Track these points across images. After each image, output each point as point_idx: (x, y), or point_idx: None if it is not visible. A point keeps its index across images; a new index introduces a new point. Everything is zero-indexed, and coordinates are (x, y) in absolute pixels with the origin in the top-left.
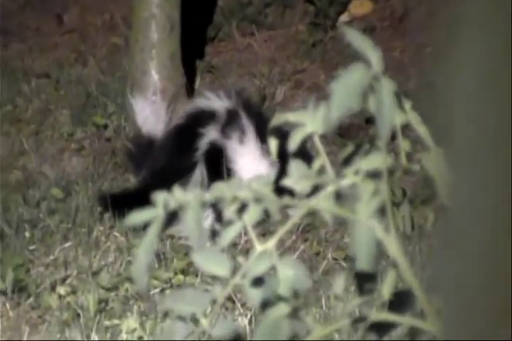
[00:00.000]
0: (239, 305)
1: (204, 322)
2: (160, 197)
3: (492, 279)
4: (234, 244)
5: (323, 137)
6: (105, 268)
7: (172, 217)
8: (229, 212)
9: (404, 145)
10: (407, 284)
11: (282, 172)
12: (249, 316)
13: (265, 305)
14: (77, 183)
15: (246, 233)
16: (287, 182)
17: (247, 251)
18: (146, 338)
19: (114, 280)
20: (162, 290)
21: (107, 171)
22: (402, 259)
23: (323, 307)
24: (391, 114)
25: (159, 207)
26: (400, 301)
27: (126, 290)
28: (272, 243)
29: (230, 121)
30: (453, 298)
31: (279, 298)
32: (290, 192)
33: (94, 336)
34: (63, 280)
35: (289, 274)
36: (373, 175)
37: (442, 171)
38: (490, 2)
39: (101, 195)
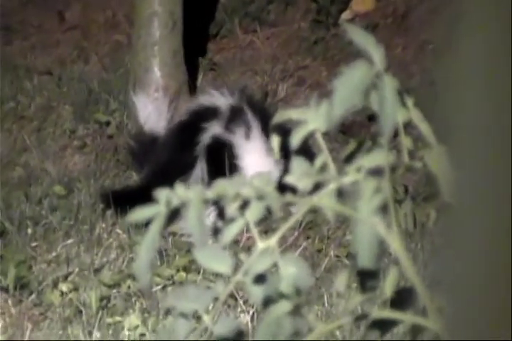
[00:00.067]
0: (241, 302)
1: (206, 319)
2: (162, 194)
3: (492, 278)
4: (236, 241)
5: (326, 134)
6: (107, 265)
7: (174, 214)
8: (231, 209)
9: (406, 142)
10: (409, 281)
11: (286, 169)
12: (251, 313)
13: (267, 302)
14: (80, 180)
15: (248, 230)
16: (289, 179)
17: (249, 249)
18: (148, 335)
19: (116, 277)
20: (164, 287)
21: (109, 168)
22: (404, 257)
23: (325, 304)
24: (393, 111)
25: (161, 204)
26: (402, 298)
27: (129, 287)
28: (274, 240)
29: (234, 117)
30: (453, 297)
31: (281, 295)
32: (292, 190)
33: (96, 333)
34: (65, 277)
35: (291, 271)
36: (375, 172)
37: (444, 168)
38: (490, 2)
39: (103, 192)
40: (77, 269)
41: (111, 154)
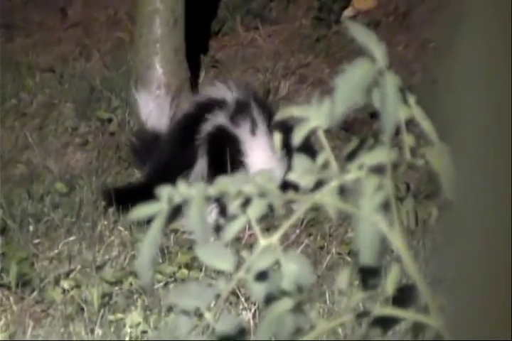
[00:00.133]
0: (243, 299)
1: (208, 317)
2: (164, 191)
3: (492, 277)
4: (238, 239)
5: (328, 132)
6: (109, 262)
7: (176, 211)
8: (233, 206)
9: (408, 140)
10: (410, 279)
11: (290, 167)
12: (253, 310)
13: (269, 299)
14: (81, 177)
15: (250, 227)
16: (291, 176)
17: (251, 246)
18: (150, 332)
19: (118, 274)
20: (166, 285)
21: (111, 165)
22: (406, 254)
23: (327, 301)
24: (395, 108)
25: (163, 201)
26: (404, 296)
27: (130, 284)
28: (275, 237)
29: (240, 111)
30: (453, 295)
31: (283, 293)
32: (294, 187)
33: (98, 330)
34: (67, 275)
35: (293, 269)
36: (377, 169)
37: (446, 166)
38: (491, 3)
39: (105, 190)
40: (79, 266)
41: (113, 151)
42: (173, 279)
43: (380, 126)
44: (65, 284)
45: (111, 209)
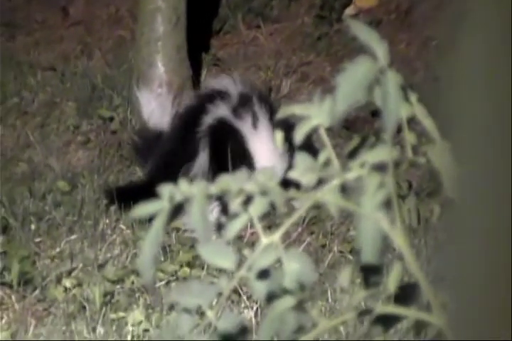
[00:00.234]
0: (245, 297)
1: (210, 315)
2: (165, 189)
3: (492, 276)
4: (239, 237)
5: (329, 130)
6: (111, 260)
7: (178, 210)
8: (235, 204)
9: (410, 138)
10: (412, 277)
11: (291, 163)
12: (254, 309)
13: (271, 297)
14: (83, 176)
15: (252, 225)
16: (293, 174)
17: (252, 244)
18: (151, 331)
19: (119, 272)
20: (168, 283)
21: (112, 164)
22: (408, 252)
23: (329, 300)
24: (397, 106)
25: (165, 199)
26: (406, 294)
27: (132, 282)
28: (277, 235)
29: (242, 103)
30: (454, 294)
31: (285, 291)
32: (296, 185)
33: (99, 329)
34: (69, 273)
35: (295, 267)
36: (379, 167)
37: (448, 164)
38: (493, 1)
39: (107, 188)
40: (80, 265)
41: (114, 150)
42: (174, 277)
43: (381, 124)
44: (67, 282)
45: (113, 208)
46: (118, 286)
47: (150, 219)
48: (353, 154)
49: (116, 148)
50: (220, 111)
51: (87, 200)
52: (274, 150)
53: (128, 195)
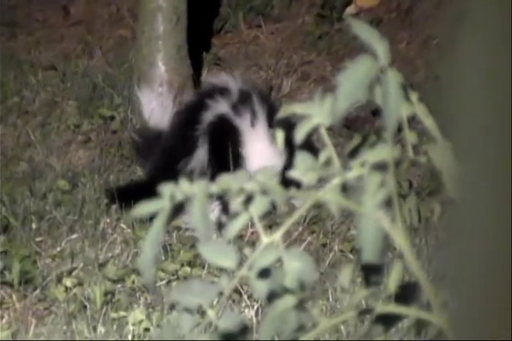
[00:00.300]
0: (245, 296)
1: (210, 314)
2: (166, 188)
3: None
4: (240, 236)
5: (330, 129)
6: (112, 260)
7: (178, 209)
8: (235, 203)
9: (410, 137)
10: (413, 276)
11: (289, 163)
12: (255, 308)
13: (272, 297)
14: (84, 175)
15: (252, 225)
16: (294, 174)
17: (253, 243)
18: (152, 330)
19: (120, 272)
20: (168, 282)
21: (113, 163)
22: (409, 251)
23: (330, 299)
24: (397, 105)
25: (165, 198)
26: (407, 293)
27: (133, 282)
28: (278, 235)
29: (242, 100)
30: (454, 293)
31: (286, 290)
32: (296, 183)
33: (100, 328)
34: (70, 272)
35: (296, 266)
36: (380, 167)
37: (449, 163)
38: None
39: (107, 187)
40: (81, 264)
41: (115, 149)
42: (175, 277)
43: (382, 123)
44: (68, 282)
45: (113, 207)
46: (119, 285)
47: (151, 219)
48: (353, 153)
49: (117, 147)
50: (220, 107)
51: (88, 199)
52: (270, 148)
53: (129, 194)
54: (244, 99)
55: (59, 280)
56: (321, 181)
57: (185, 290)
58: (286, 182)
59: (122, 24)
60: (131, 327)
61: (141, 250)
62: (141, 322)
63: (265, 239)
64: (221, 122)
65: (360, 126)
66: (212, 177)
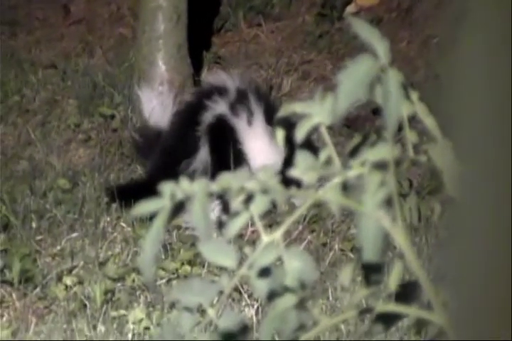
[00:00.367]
0: (245, 295)
1: (211, 313)
2: (166, 187)
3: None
4: (240, 235)
5: (330, 128)
6: (112, 258)
7: (179, 208)
8: (236, 202)
9: (411, 136)
10: (413, 275)
11: (288, 161)
12: (255, 307)
13: (272, 296)
14: (84, 174)
15: (253, 224)
16: (294, 173)
17: (253, 242)
18: (152, 328)
19: (120, 270)
20: (169, 281)
21: (113, 162)
22: (409, 250)
23: (330, 298)
24: (398, 105)
25: (166, 197)
26: (407, 292)
27: (133, 280)
28: (278, 234)
29: (239, 100)
30: (454, 293)
31: (286, 289)
32: (296, 183)
33: (100, 326)
34: (70, 271)
35: (296, 265)
36: (380, 166)
37: (449, 162)
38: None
39: (108, 186)
40: (81, 263)
41: (115, 148)
42: (175, 275)
43: (382, 122)
44: (68, 280)
45: (113, 206)
46: (119, 284)
47: (151, 217)
48: (354, 152)
49: (117, 146)
50: (219, 107)
51: (88, 198)
52: (268, 146)
53: (129, 193)
54: (241, 98)
55: (59, 278)
56: (322, 180)
57: (186, 289)
58: (287, 181)
59: (123, 23)
60: (131, 326)
61: (141, 249)
62: (141, 320)
63: (265, 238)
64: (220, 123)
65: (360, 125)
66: (213, 177)
